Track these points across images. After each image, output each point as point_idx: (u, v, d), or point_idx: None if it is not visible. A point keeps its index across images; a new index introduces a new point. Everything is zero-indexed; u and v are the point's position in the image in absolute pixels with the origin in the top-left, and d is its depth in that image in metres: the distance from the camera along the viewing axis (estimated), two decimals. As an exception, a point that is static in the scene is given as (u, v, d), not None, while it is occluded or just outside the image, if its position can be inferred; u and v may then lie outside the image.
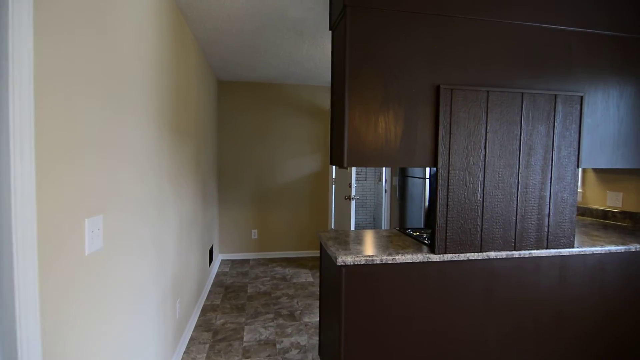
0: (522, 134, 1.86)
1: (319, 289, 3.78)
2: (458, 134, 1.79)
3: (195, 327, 2.98)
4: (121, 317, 1.50)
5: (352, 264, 1.72)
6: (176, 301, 2.46)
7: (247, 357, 2.53)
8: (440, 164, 1.77)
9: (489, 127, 1.82)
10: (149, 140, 1.85)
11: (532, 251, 1.89)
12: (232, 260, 4.92)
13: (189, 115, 2.94)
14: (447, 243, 1.80)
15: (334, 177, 5.18)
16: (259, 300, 3.56)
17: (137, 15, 1.66)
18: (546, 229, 1.90)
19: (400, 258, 1.76)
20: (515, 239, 1.88)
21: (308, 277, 4.23)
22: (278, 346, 2.69)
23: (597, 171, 2.90)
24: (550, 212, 1.90)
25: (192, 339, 2.78)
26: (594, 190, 2.91)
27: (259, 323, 3.05)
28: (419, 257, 1.78)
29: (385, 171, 5.31)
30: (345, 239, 2.07)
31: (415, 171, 4.28)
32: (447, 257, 1.80)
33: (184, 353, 2.57)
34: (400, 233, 2.27)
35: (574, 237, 1.94)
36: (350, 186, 4.31)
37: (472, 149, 1.81)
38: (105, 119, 1.32)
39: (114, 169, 1.40)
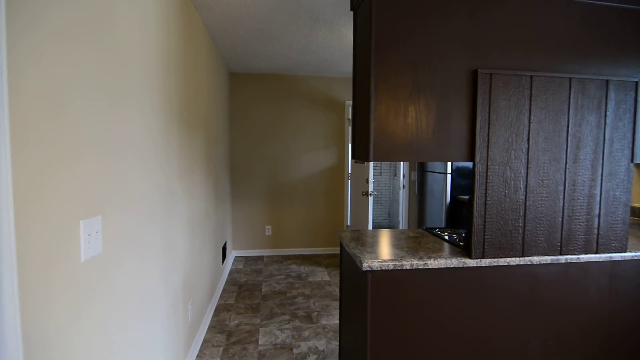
0: (570, 124, 1.65)
1: (335, 289, 3.64)
2: (498, 125, 1.59)
3: (209, 328, 2.86)
4: (126, 327, 1.36)
5: (378, 269, 1.55)
6: (188, 302, 2.33)
7: (263, 363, 2.39)
8: (477, 158, 1.58)
9: (532, 117, 1.62)
10: (155, 134, 1.70)
11: (580, 256, 1.69)
12: (246, 257, 4.80)
13: (200, 107, 2.79)
14: (485, 247, 1.61)
15: (349, 172, 5.00)
16: (274, 300, 3.42)
17: (141, -6, 1.50)
18: (596, 231, 1.70)
19: (433, 263, 1.58)
20: (561, 242, 1.68)
21: (324, 276, 4.08)
22: (295, 351, 2.54)
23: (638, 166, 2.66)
24: (601, 212, 1.70)
25: (205, 341, 2.66)
26: (637, 187, 2.67)
27: (274, 325, 2.92)
28: (453, 262, 1.59)
29: (403, 165, 5.10)
30: (369, 240, 1.90)
31: (436, 166, 4.06)
32: (485, 262, 1.62)
33: (197, 357, 2.45)
34: (428, 233, 2.09)
35: (626, 240, 1.73)
36: (367, 181, 4.13)
37: (514, 142, 1.61)
38: (101, 110, 1.17)
39: (113, 164, 1.25)
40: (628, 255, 1.73)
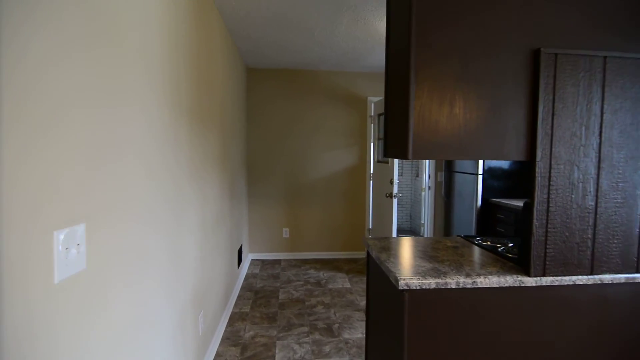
0: (652, 115, 1.36)
1: (357, 297, 3.39)
2: (564, 116, 1.32)
3: (222, 340, 2.66)
4: (121, 357, 1.16)
5: (418, 287, 1.30)
6: (199, 315, 2.13)
7: (280, 382, 2.17)
8: (539, 156, 1.31)
9: (606, 106, 1.34)
10: (159, 129, 1.50)
11: (663, 274, 1.40)
12: (263, 261, 4.60)
13: (214, 102, 2.59)
14: (547, 262, 1.34)
15: (371, 172, 4.74)
16: (292, 308, 3.20)
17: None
18: (682, 244, 1.40)
19: (483, 282, 1.32)
20: (638, 258, 1.39)
21: (345, 283, 3.84)
22: (315, 369, 2.31)
23: None
24: (689, 222, 1.40)
25: (217, 355, 2.46)
26: None
27: (292, 338, 2.69)
28: (507, 281, 1.33)
29: (428, 165, 4.80)
30: (401, 251, 1.65)
31: (465, 166, 3.76)
32: (547, 280, 1.34)
33: (208, 373, 2.25)
34: (469, 243, 1.82)
35: None
36: (392, 183, 3.86)
37: (583, 136, 1.33)
38: (87, 96, 0.97)
39: (102, 160, 1.04)
40: None
